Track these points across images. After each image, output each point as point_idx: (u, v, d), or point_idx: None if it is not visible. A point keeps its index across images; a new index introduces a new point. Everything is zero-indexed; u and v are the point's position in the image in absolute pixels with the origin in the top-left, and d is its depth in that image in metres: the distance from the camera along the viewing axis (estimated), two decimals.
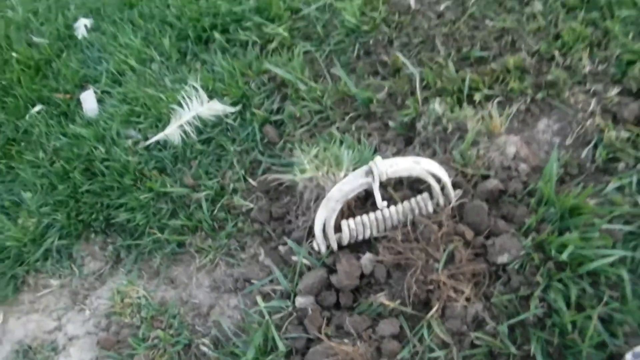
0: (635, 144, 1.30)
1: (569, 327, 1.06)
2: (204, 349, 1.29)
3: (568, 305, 1.09)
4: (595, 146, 1.33)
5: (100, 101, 2.21)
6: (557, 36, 1.55)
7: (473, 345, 1.10)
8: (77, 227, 1.77)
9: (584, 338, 1.04)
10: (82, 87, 2.35)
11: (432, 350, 1.10)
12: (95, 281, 1.65)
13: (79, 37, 2.63)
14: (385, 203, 1.24)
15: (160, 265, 1.54)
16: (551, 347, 1.08)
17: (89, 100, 2.24)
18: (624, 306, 1.08)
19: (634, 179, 1.25)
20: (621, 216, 1.20)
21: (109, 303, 1.53)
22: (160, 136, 1.87)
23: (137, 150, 1.88)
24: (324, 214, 1.22)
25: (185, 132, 1.82)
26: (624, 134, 1.30)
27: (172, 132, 1.84)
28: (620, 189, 1.26)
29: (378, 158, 1.18)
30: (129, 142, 1.93)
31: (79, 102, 2.25)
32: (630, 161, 1.28)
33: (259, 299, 1.28)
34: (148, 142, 1.89)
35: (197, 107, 1.85)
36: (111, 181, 1.80)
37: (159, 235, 1.58)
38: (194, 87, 1.89)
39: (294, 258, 1.32)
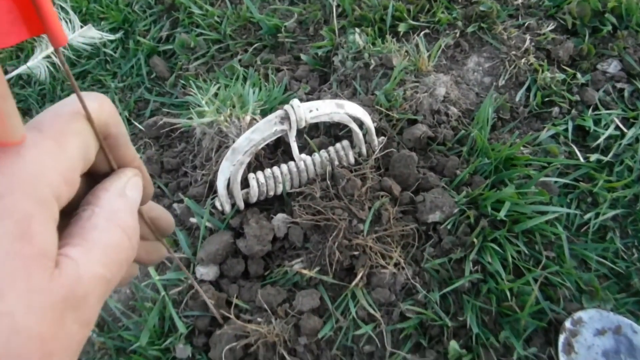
0: (570, 86, 1.19)
1: (507, 293, 0.95)
2: None
3: (504, 268, 0.99)
4: (529, 88, 1.21)
5: None
6: None
7: (403, 317, 0.97)
8: None
9: (522, 305, 0.94)
10: None
11: (357, 325, 0.96)
12: None
13: None
14: (304, 156, 1.05)
15: None
16: (487, 315, 0.97)
17: None
18: (562, 268, 0.99)
19: (570, 125, 1.15)
20: (555, 167, 1.11)
21: None
22: (22, 69, 1.52)
23: None
24: (229, 168, 1.01)
25: (53, 64, 1.49)
26: (559, 76, 1.19)
27: (37, 65, 1.51)
28: (554, 136, 1.15)
29: (295, 101, 0.97)
30: None
31: None
32: (565, 106, 1.17)
33: (151, 270, 1.06)
34: (8, 77, 1.53)
35: (67, 34, 1.51)
36: None
37: None
38: (62, 8, 1.54)
39: (193, 220, 1.10)
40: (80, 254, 0.28)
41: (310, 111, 0.98)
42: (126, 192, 0.33)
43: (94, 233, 0.29)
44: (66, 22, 1.54)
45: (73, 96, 0.31)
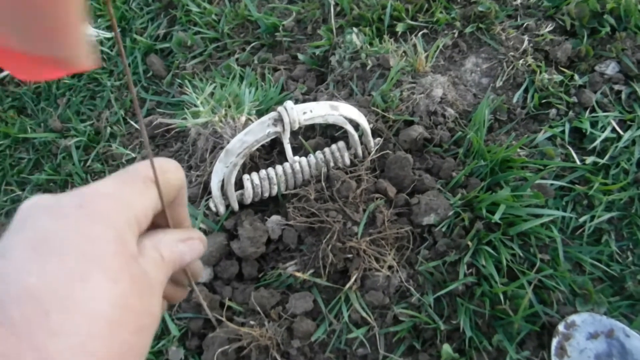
0: (568, 88, 1.19)
1: (501, 296, 0.95)
2: None
3: (498, 271, 0.98)
4: (527, 89, 1.21)
5: None
6: None
7: (396, 321, 0.97)
8: None
9: (515, 309, 0.94)
10: None
11: (350, 329, 0.96)
12: None
13: None
14: (297, 158, 1.05)
15: None
16: (481, 319, 0.97)
17: None
18: (556, 271, 0.99)
19: (566, 127, 1.14)
20: (552, 169, 1.10)
21: None
22: None
23: None
24: (223, 170, 1.00)
25: None
26: (557, 77, 1.18)
27: None
28: (551, 138, 1.15)
29: (289, 103, 0.97)
30: None
31: None
32: (562, 107, 1.17)
33: None
34: (2, 75, 1.53)
35: None
36: None
37: (19, 192, 1.28)
38: None
39: None
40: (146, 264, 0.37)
41: (304, 113, 0.98)
42: (178, 244, 0.41)
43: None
44: None
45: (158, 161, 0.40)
